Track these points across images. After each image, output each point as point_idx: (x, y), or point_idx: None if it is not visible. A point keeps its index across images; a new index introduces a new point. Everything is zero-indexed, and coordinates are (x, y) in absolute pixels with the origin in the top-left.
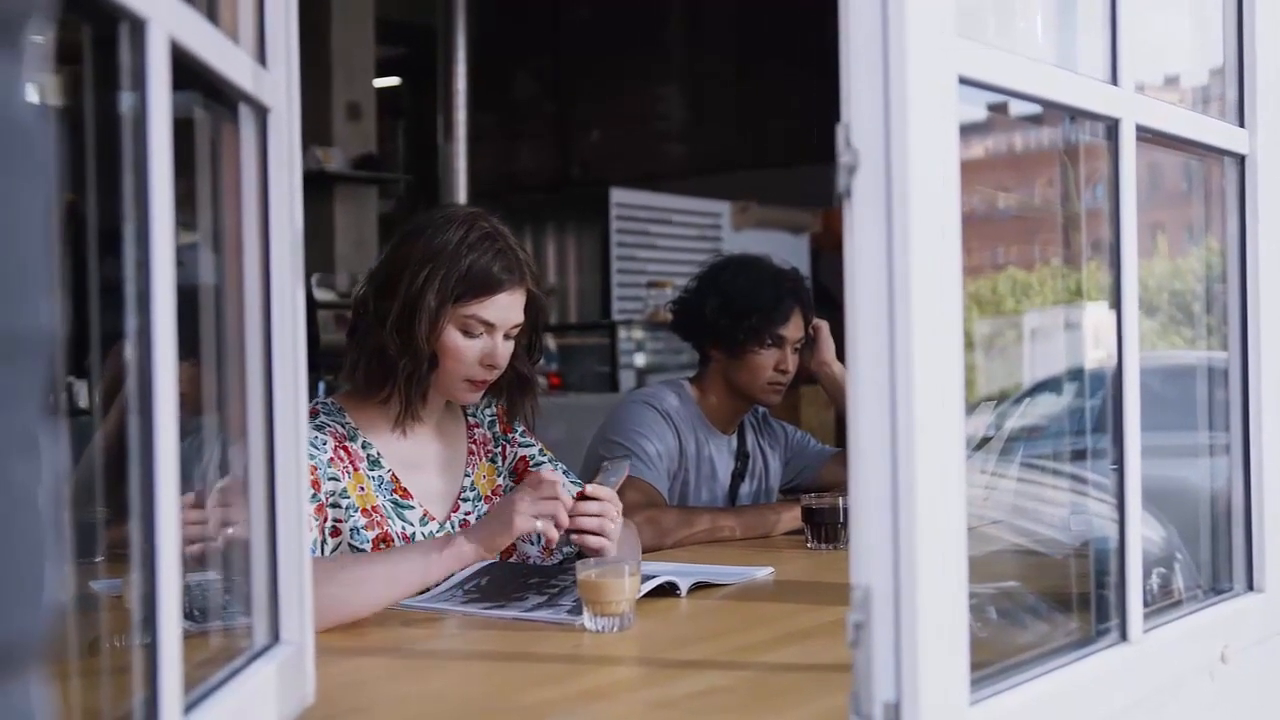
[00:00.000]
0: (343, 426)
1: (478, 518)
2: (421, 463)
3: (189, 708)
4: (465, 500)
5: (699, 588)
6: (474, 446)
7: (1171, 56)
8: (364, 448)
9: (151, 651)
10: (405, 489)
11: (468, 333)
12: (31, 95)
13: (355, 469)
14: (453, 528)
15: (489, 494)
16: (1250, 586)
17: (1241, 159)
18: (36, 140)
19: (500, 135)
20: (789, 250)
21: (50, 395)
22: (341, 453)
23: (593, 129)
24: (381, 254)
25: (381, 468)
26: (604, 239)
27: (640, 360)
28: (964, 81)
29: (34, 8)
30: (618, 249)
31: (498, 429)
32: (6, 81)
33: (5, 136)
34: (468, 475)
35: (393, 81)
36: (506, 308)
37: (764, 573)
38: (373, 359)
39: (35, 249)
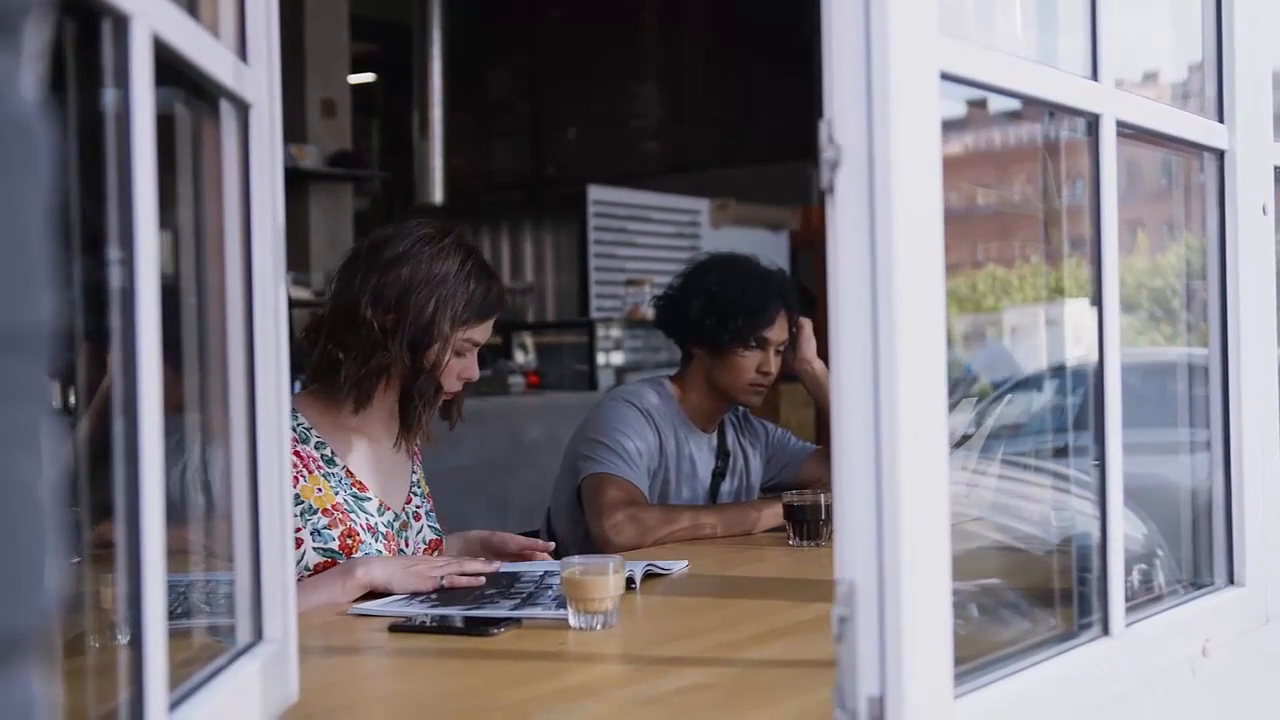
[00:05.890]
0: (293, 430)
1: (427, 512)
2: (374, 460)
3: (173, 705)
4: (415, 495)
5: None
6: (416, 447)
7: (1149, 52)
8: (317, 448)
9: (137, 650)
10: (361, 482)
11: (460, 354)
12: (29, 91)
13: (310, 471)
14: (407, 517)
15: (428, 493)
16: (1231, 580)
17: (1221, 154)
18: (36, 136)
19: (476, 133)
20: (768, 248)
21: (49, 390)
22: (294, 458)
23: (569, 127)
24: (363, 265)
25: (336, 465)
26: (581, 237)
27: (619, 358)
28: (946, 77)
29: (33, 3)
30: (595, 247)
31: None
32: (5, 78)
33: (5, 133)
34: (415, 472)
35: (367, 78)
36: (490, 328)
37: (679, 566)
38: (374, 376)
39: (36, 244)
